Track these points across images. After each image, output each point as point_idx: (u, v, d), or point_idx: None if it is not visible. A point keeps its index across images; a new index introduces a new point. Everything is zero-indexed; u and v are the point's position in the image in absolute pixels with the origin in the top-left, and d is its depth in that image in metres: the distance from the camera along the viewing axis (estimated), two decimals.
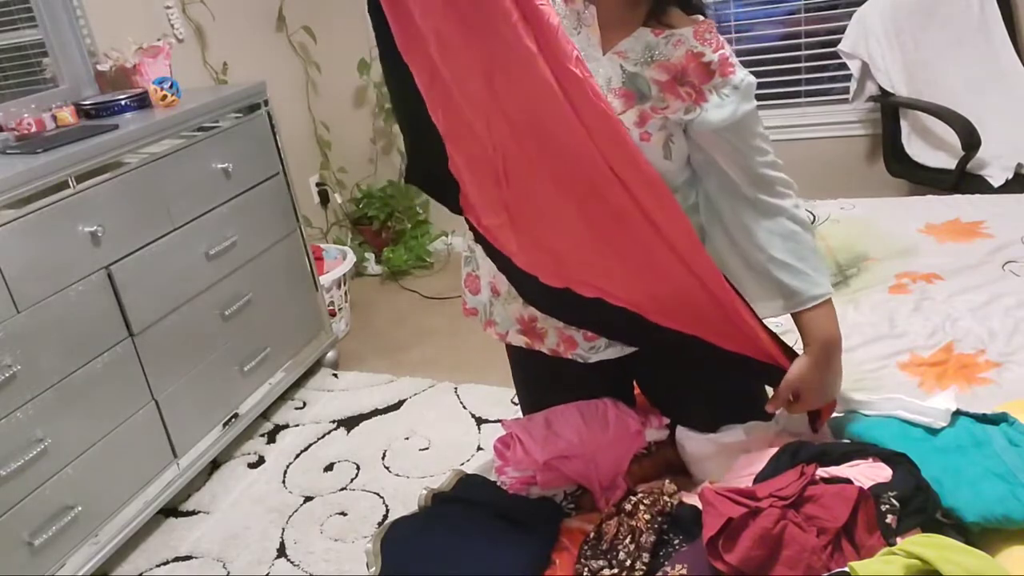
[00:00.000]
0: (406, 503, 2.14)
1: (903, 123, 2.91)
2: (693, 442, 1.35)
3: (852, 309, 1.87)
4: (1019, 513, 1.03)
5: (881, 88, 2.90)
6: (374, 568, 1.25)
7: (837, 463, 1.14)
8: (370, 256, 3.71)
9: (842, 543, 1.02)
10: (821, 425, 1.29)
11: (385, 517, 2.15)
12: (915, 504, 1.05)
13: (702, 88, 1.13)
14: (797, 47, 3.23)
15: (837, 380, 1.25)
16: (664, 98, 1.14)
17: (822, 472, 1.12)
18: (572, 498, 1.37)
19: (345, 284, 3.14)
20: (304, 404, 2.74)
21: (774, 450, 1.22)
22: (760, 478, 1.17)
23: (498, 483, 1.37)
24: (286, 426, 2.62)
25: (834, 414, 1.33)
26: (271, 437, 2.58)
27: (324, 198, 3.66)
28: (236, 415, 2.46)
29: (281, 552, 2.08)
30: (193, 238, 2.29)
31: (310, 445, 2.51)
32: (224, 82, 3.09)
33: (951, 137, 2.64)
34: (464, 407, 2.57)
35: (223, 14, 3.08)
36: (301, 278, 2.76)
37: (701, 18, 1.16)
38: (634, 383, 1.48)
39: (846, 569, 0.97)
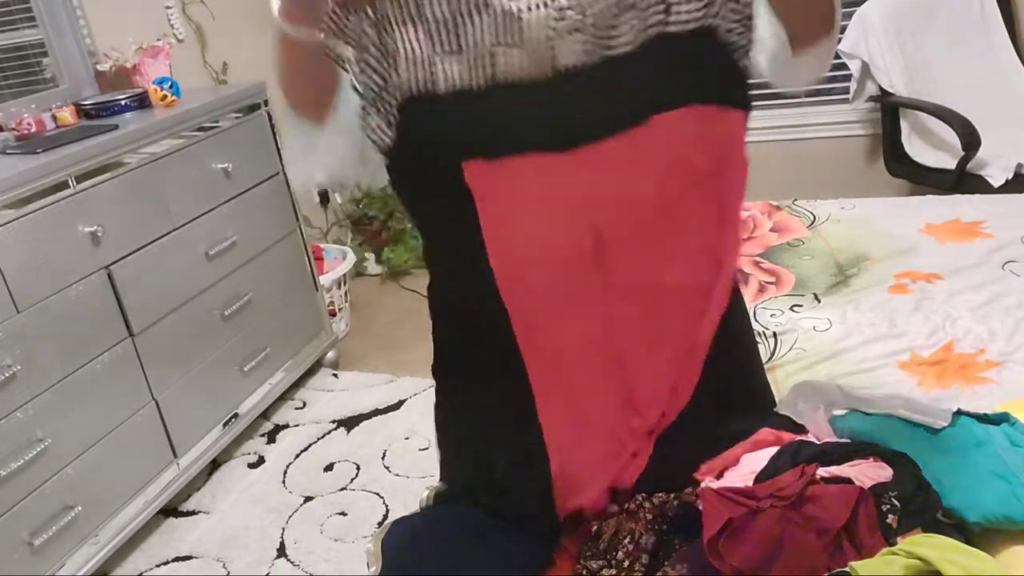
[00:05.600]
0: (406, 503, 2.14)
1: (903, 123, 2.92)
2: None
3: (852, 309, 1.88)
4: (1020, 513, 1.03)
5: (881, 88, 2.90)
6: (374, 568, 1.25)
7: (838, 463, 1.14)
8: (370, 256, 3.71)
9: (843, 543, 1.02)
10: None
11: (385, 517, 2.15)
12: (916, 504, 1.05)
13: None
14: None
15: None
16: None
17: (823, 472, 1.12)
18: None
19: (345, 284, 3.14)
20: (304, 404, 2.74)
21: (774, 450, 1.22)
22: (760, 478, 1.17)
23: None
24: (286, 426, 2.62)
25: (835, 412, 1.32)
26: (271, 437, 2.58)
27: (324, 198, 3.66)
28: (236, 415, 2.46)
29: (281, 552, 2.08)
30: (193, 238, 2.29)
31: (310, 445, 2.51)
32: (224, 82, 3.09)
33: (951, 137, 2.64)
34: None
35: (223, 14, 3.08)
36: (301, 278, 2.76)
37: None
38: None
39: (846, 569, 0.96)
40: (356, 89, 1.08)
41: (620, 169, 1.06)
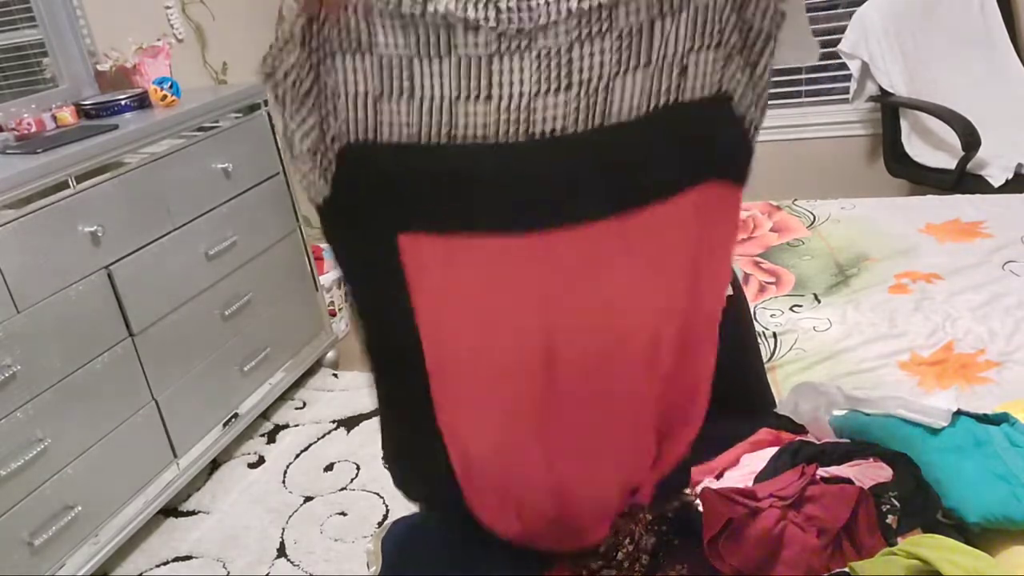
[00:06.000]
0: (406, 503, 2.13)
1: (903, 123, 2.92)
2: None
3: (852, 309, 1.88)
4: (1020, 514, 1.03)
5: (881, 88, 2.90)
6: (374, 568, 1.25)
7: (838, 463, 1.14)
8: None
9: (842, 543, 1.02)
10: None
11: (385, 517, 2.15)
12: (916, 504, 1.05)
13: None
14: None
15: None
16: None
17: (823, 472, 1.12)
18: None
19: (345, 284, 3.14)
20: (304, 404, 2.74)
21: (774, 450, 1.23)
22: (760, 478, 1.17)
23: None
24: (286, 426, 2.62)
25: (835, 412, 1.33)
26: (271, 437, 2.58)
27: None
28: (236, 415, 2.46)
29: (281, 552, 2.08)
30: (193, 238, 2.29)
31: (310, 445, 2.51)
32: (224, 82, 3.09)
33: (951, 137, 2.64)
34: None
35: (223, 14, 3.08)
36: (301, 278, 2.76)
37: None
38: None
39: (846, 569, 0.97)
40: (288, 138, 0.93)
41: (592, 266, 0.88)
